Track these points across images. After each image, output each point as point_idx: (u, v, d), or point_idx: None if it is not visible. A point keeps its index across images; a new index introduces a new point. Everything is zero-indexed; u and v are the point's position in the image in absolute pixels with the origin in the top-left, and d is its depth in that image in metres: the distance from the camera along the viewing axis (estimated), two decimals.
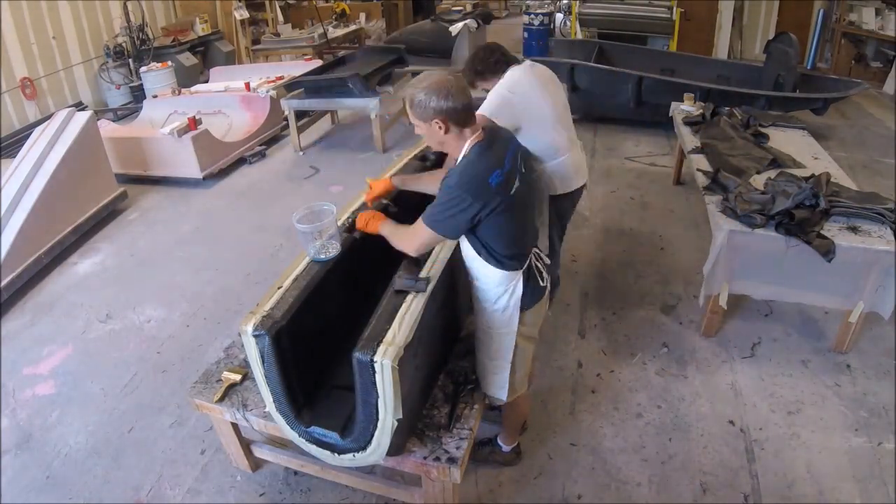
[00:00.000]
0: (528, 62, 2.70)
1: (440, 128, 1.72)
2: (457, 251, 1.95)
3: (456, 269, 2.03)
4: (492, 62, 2.61)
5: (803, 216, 2.63)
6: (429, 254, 1.92)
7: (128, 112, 7.04)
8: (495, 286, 1.85)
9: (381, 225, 2.01)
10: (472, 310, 2.03)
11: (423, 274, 1.84)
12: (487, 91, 2.67)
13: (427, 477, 1.89)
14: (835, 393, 2.67)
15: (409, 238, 1.85)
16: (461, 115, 1.72)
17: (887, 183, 4.71)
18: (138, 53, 7.41)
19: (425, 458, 1.83)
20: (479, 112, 2.37)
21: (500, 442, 2.35)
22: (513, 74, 2.60)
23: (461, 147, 1.76)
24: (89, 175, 4.34)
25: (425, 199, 1.93)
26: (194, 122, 5.03)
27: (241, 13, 8.47)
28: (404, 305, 1.71)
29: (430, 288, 1.80)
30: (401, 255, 1.95)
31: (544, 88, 2.63)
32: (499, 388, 2.03)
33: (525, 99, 2.56)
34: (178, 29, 8.24)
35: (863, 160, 5.25)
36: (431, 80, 1.70)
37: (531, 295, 1.90)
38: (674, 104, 4.54)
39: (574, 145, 2.80)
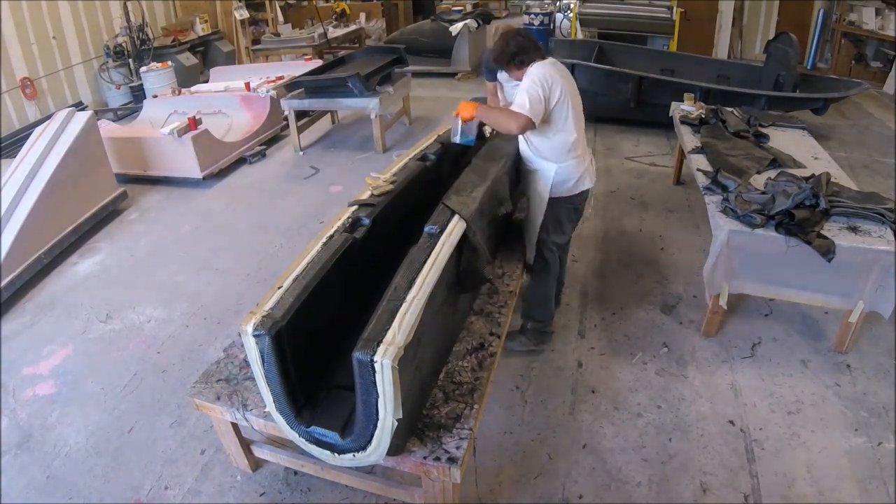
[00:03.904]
0: (549, 59, 2.61)
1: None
2: (457, 250, 1.95)
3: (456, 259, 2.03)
4: (507, 56, 2.57)
5: (803, 216, 2.63)
6: (427, 254, 1.92)
7: (128, 112, 7.04)
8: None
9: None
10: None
11: (421, 275, 1.84)
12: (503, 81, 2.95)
13: (427, 477, 1.89)
14: (835, 393, 2.67)
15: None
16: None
17: (887, 183, 4.71)
18: (138, 53, 7.41)
19: (425, 458, 1.83)
20: (513, 107, 2.50)
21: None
22: (539, 69, 2.51)
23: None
24: (89, 175, 4.34)
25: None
26: (194, 122, 5.03)
27: (241, 13, 8.47)
28: (404, 305, 1.71)
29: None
30: (401, 256, 1.96)
31: (570, 85, 2.59)
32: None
33: (553, 95, 2.50)
34: (178, 29, 8.24)
35: (863, 160, 5.25)
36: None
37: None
38: (674, 104, 4.54)
39: (585, 149, 2.75)
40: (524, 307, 3.01)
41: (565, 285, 3.38)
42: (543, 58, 2.60)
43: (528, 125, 2.46)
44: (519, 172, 2.90)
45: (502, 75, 3.05)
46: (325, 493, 2.27)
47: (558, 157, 2.62)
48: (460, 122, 2.71)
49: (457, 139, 2.78)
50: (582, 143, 2.69)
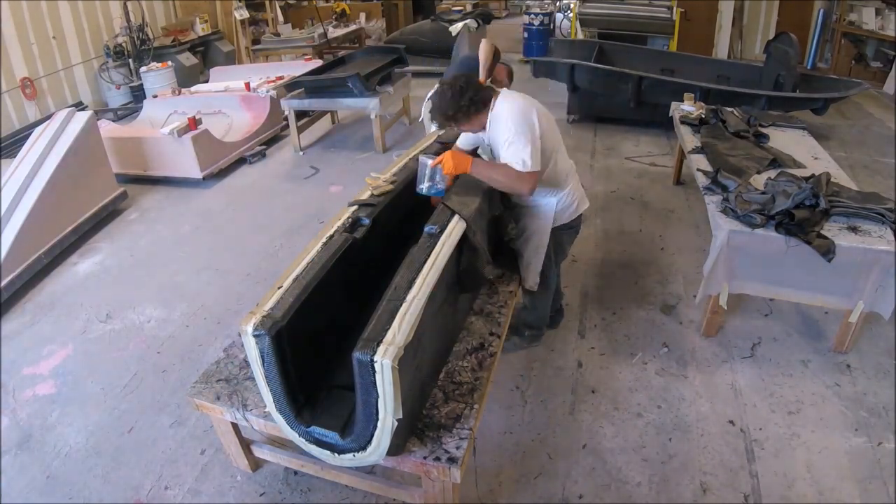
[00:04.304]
0: (503, 90, 2.34)
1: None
2: (457, 250, 1.95)
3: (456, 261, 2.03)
4: (464, 105, 2.20)
5: (803, 216, 2.63)
6: (427, 254, 1.92)
7: (128, 112, 7.05)
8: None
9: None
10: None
11: (421, 275, 1.84)
12: (465, 131, 2.43)
13: (427, 477, 1.89)
14: (835, 393, 2.67)
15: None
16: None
17: (887, 183, 4.71)
18: (138, 53, 7.41)
19: (425, 458, 1.83)
20: (511, 163, 2.16)
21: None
22: (511, 106, 2.23)
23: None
24: (89, 175, 4.34)
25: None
26: (194, 122, 5.03)
27: (241, 13, 8.47)
28: (404, 305, 1.71)
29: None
30: (401, 256, 1.96)
31: (538, 105, 2.35)
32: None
33: (539, 128, 2.24)
34: (178, 29, 8.24)
35: (863, 160, 5.25)
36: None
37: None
38: (674, 104, 4.54)
39: (573, 169, 2.64)
40: (521, 318, 2.98)
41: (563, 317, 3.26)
42: (494, 90, 2.30)
43: (537, 181, 2.22)
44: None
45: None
46: (325, 493, 2.27)
47: (556, 189, 2.49)
48: (429, 166, 2.23)
49: (422, 188, 2.28)
50: (564, 160, 2.53)
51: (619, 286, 3.52)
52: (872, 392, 2.67)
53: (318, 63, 6.87)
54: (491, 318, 2.47)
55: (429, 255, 1.92)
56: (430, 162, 2.23)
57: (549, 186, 2.47)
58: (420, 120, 2.90)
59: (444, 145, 2.86)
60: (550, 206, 2.52)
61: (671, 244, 3.96)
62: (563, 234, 2.65)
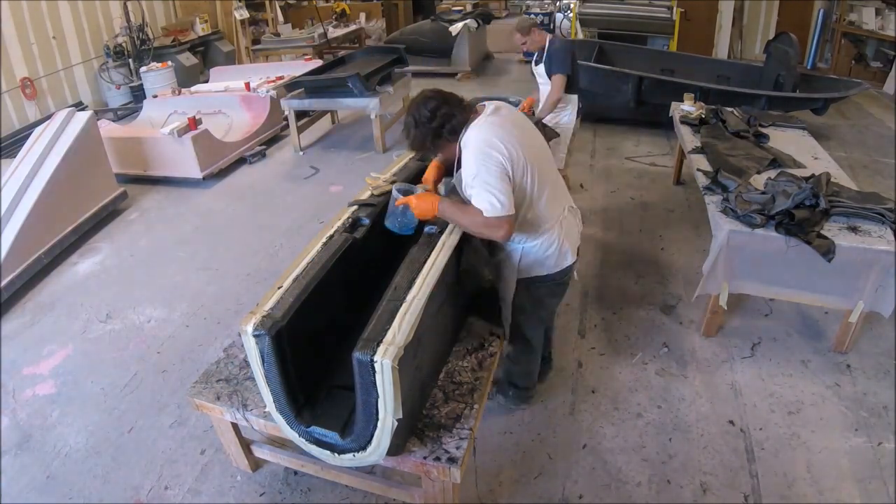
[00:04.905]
0: (488, 108, 2.01)
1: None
2: (457, 250, 1.96)
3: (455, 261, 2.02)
4: (429, 136, 1.96)
5: (803, 216, 2.63)
6: (427, 254, 1.92)
7: (128, 112, 7.05)
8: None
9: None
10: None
11: (421, 275, 1.84)
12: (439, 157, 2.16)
13: (427, 477, 1.89)
14: (835, 393, 2.67)
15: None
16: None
17: (887, 183, 4.71)
18: (138, 53, 7.42)
19: (425, 458, 1.83)
20: (482, 206, 1.86)
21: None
22: (477, 135, 1.91)
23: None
24: (89, 175, 4.34)
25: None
26: (194, 122, 5.03)
27: (241, 13, 8.47)
28: (404, 305, 1.71)
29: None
30: (401, 256, 1.95)
31: (522, 132, 2.01)
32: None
33: (513, 163, 1.90)
34: (178, 29, 8.24)
35: (863, 160, 5.25)
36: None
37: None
38: (674, 104, 4.54)
39: (559, 207, 2.13)
40: (507, 371, 2.56)
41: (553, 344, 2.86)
42: (473, 110, 1.99)
43: (513, 224, 1.90)
44: None
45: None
46: (325, 493, 2.27)
47: (523, 238, 2.09)
48: (395, 204, 2.05)
49: (393, 225, 2.07)
50: (553, 202, 2.08)
51: (619, 286, 3.52)
52: (872, 392, 2.67)
53: (318, 63, 6.87)
54: None
55: (429, 255, 1.91)
56: (395, 200, 2.03)
57: (520, 233, 2.05)
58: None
59: (422, 162, 2.54)
60: (515, 255, 2.12)
61: (671, 244, 3.96)
62: (541, 287, 2.19)
